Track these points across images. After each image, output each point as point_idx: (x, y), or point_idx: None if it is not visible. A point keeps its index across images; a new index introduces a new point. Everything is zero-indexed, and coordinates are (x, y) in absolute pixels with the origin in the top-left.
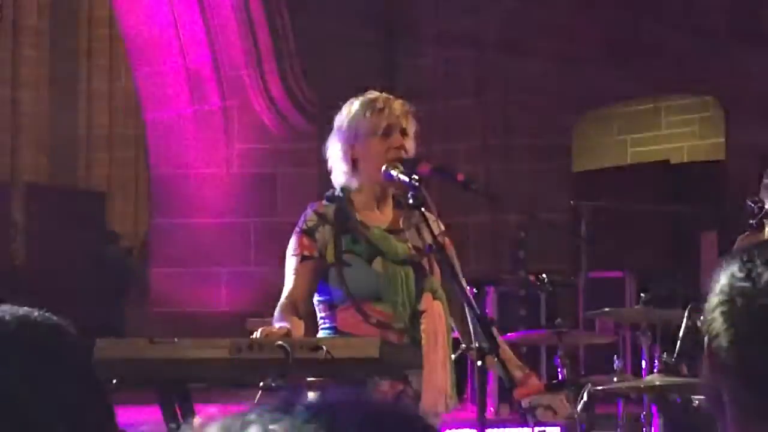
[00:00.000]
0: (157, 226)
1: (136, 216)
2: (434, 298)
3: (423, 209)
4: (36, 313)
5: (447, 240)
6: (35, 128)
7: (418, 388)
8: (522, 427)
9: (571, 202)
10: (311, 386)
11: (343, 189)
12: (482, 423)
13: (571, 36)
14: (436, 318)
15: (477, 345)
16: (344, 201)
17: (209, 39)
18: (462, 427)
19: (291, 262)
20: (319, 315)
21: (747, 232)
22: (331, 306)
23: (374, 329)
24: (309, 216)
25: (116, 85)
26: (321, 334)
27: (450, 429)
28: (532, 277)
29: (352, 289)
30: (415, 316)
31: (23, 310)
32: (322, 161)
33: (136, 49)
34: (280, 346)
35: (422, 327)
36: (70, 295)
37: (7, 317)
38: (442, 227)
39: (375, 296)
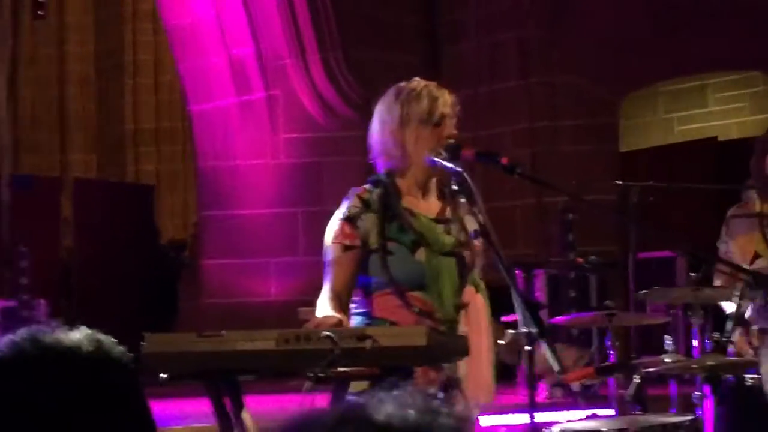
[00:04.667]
0: (205, 218)
1: (185, 208)
2: (477, 291)
3: (464, 196)
4: (103, 341)
5: (489, 225)
6: (83, 125)
7: (452, 374)
8: (574, 410)
9: (619, 182)
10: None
11: (387, 174)
12: (533, 407)
13: (615, 14)
14: (479, 310)
15: (525, 330)
16: (389, 185)
17: (252, 29)
18: (514, 412)
19: (332, 250)
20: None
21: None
22: (366, 292)
23: (413, 315)
24: (352, 202)
25: (161, 79)
26: (352, 320)
27: (502, 414)
28: (580, 260)
29: (395, 276)
30: (457, 307)
31: (98, 339)
32: (367, 149)
33: (180, 43)
34: (327, 336)
35: (464, 319)
36: (121, 288)
37: (85, 348)
38: (483, 213)
39: (417, 285)
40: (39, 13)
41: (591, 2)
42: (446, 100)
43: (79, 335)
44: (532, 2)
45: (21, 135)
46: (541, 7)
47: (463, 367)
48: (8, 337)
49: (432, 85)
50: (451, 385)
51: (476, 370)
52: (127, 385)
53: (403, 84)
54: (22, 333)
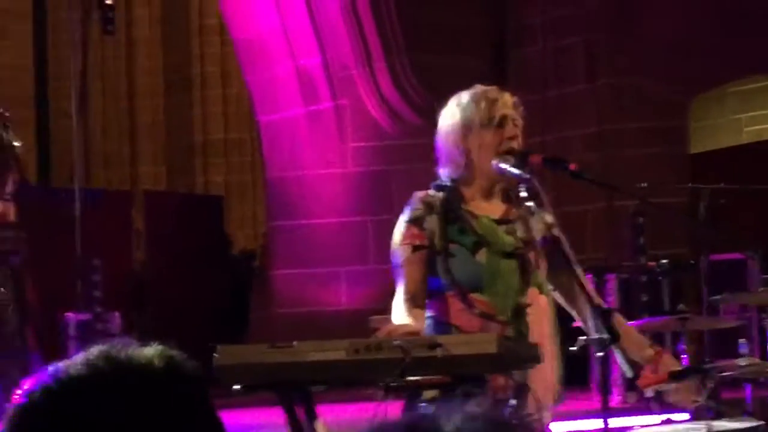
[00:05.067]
0: (275, 228)
1: (254, 219)
2: (540, 293)
3: (533, 202)
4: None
5: (558, 232)
6: (152, 137)
7: (521, 380)
8: (648, 414)
9: (689, 185)
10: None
11: (452, 180)
12: (606, 412)
13: (682, 15)
14: (541, 312)
15: (597, 336)
16: (453, 190)
17: (318, 40)
18: (587, 417)
19: (401, 252)
20: None
21: None
22: (433, 295)
23: (478, 319)
24: (415, 205)
25: (229, 91)
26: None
27: (576, 419)
28: (652, 263)
29: (457, 278)
30: (519, 309)
31: (169, 355)
32: (434, 157)
33: (247, 55)
34: (398, 345)
35: (527, 320)
36: (194, 299)
37: (157, 363)
38: (553, 219)
39: (478, 287)
40: (108, 28)
41: (658, 4)
42: (506, 101)
43: (151, 351)
44: (599, 5)
45: (92, 148)
46: (607, 10)
47: (529, 372)
48: (81, 355)
49: (491, 89)
50: (521, 391)
51: (541, 373)
52: (198, 400)
53: (463, 92)
54: (95, 350)
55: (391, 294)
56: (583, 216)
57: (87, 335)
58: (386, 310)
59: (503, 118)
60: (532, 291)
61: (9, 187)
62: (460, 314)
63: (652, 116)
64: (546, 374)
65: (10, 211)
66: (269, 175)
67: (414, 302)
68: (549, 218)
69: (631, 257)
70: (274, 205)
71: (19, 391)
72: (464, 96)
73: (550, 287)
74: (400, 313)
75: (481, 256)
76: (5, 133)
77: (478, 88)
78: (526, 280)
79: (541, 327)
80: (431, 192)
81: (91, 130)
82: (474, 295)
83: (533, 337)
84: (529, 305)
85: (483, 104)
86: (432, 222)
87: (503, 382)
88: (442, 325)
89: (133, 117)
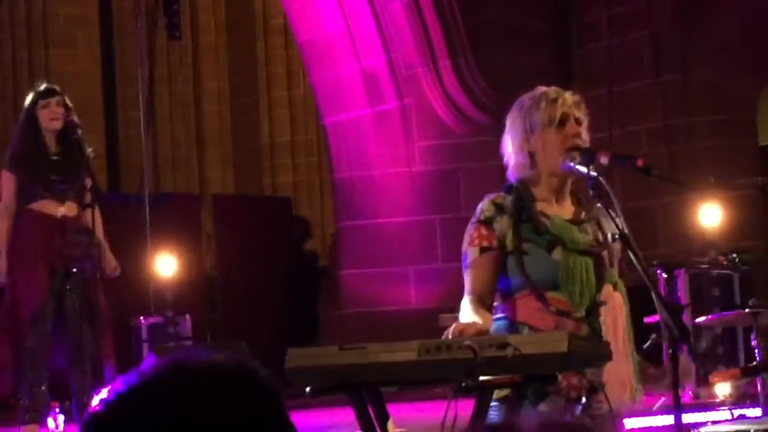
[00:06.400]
0: (343, 229)
1: (323, 219)
2: (614, 290)
3: (601, 201)
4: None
5: (627, 229)
6: (220, 140)
7: (594, 379)
8: (721, 410)
9: (759, 178)
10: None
11: (521, 181)
12: (678, 408)
13: (746, 7)
14: (616, 309)
15: (668, 333)
16: (523, 191)
17: (382, 39)
18: (660, 413)
19: (470, 253)
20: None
21: None
22: (504, 295)
23: (553, 317)
24: (486, 206)
25: (295, 93)
26: (493, 324)
27: (648, 416)
28: (723, 258)
29: (532, 276)
30: (594, 306)
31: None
32: (502, 157)
33: (311, 55)
34: (468, 345)
35: (602, 318)
36: (264, 301)
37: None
38: (621, 217)
39: (553, 285)
40: (175, 34)
41: None
42: (566, 100)
43: (222, 358)
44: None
45: (160, 153)
46: (672, 4)
47: (605, 371)
48: (152, 361)
49: (551, 89)
50: (594, 389)
51: (616, 370)
52: (271, 408)
53: (524, 96)
54: (166, 358)
55: (460, 292)
56: (653, 210)
57: (159, 339)
58: (455, 308)
59: (564, 117)
60: (607, 288)
61: (87, 196)
62: (534, 313)
63: (720, 109)
64: (621, 372)
65: (87, 218)
66: (336, 175)
67: (481, 303)
68: (616, 216)
69: (702, 252)
70: (341, 206)
71: (93, 400)
72: (525, 99)
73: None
74: (467, 314)
75: (557, 253)
76: (81, 141)
77: (539, 89)
78: (600, 278)
79: (616, 324)
80: (502, 194)
81: (159, 135)
82: (549, 293)
83: (607, 334)
84: (603, 303)
85: (543, 105)
86: (503, 223)
87: (576, 381)
88: (513, 325)
89: (200, 121)
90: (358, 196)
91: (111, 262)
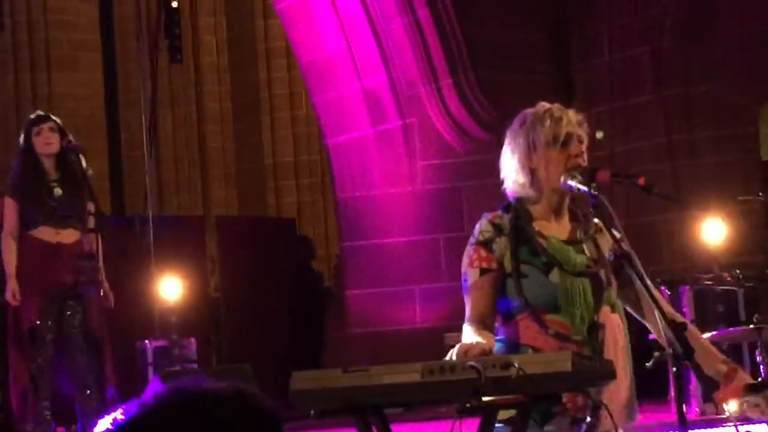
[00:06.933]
0: (347, 249)
1: (327, 240)
2: (612, 311)
3: (599, 219)
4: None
5: (627, 247)
6: (223, 162)
7: (596, 398)
8: (726, 427)
9: (759, 194)
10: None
11: (519, 200)
12: (683, 425)
13: (747, 22)
14: (615, 330)
15: (671, 351)
16: (521, 211)
17: (383, 59)
18: (666, 430)
19: (470, 275)
20: None
21: None
22: (505, 317)
23: (553, 340)
24: (484, 226)
25: (297, 114)
26: (495, 345)
27: None
28: (727, 274)
29: (530, 299)
30: (593, 328)
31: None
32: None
33: (314, 77)
34: (472, 366)
35: (601, 339)
36: (269, 322)
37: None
38: (621, 235)
39: (552, 308)
40: (176, 56)
41: (724, 11)
42: (570, 119)
43: (223, 386)
44: (665, 14)
45: (163, 175)
46: (674, 19)
47: (605, 391)
48: (154, 388)
49: (555, 106)
50: (596, 409)
51: (615, 390)
52: None
53: (527, 110)
54: (169, 385)
55: (465, 310)
56: (656, 227)
57: (164, 362)
58: (460, 327)
59: (568, 137)
60: (605, 309)
61: (90, 220)
62: (536, 336)
63: (722, 124)
64: (620, 391)
65: (92, 243)
66: (339, 195)
67: (482, 324)
68: (617, 234)
69: (705, 268)
70: (345, 226)
71: (98, 425)
72: (528, 115)
73: (622, 303)
74: (470, 335)
75: (554, 276)
76: (83, 164)
77: (542, 106)
78: (599, 299)
79: (615, 345)
80: (499, 213)
81: (163, 156)
82: (548, 316)
83: (609, 354)
84: (603, 324)
85: (548, 123)
86: (501, 244)
87: (581, 401)
88: (514, 346)
89: (203, 143)
90: (362, 216)
91: (105, 290)
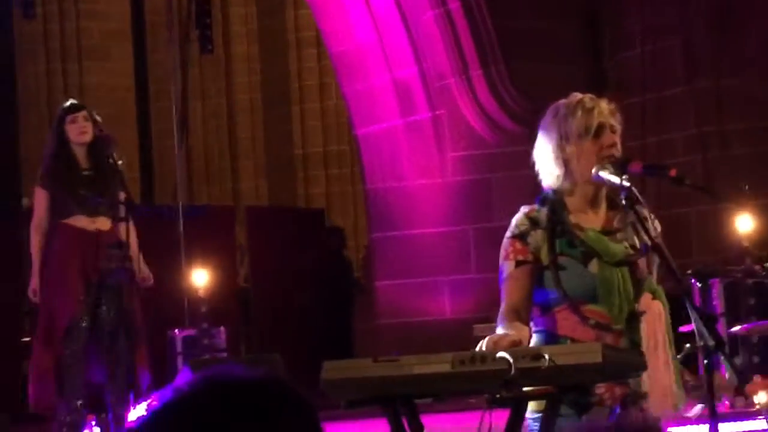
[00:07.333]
0: (377, 240)
1: (356, 230)
2: (653, 298)
3: (633, 210)
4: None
5: (660, 239)
6: (253, 152)
7: (637, 388)
8: (758, 419)
9: None
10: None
11: (555, 192)
12: (713, 418)
13: None
14: (656, 318)
15: (703, 343)
16: (557, 203)
17: (414, 51)
18: (696, 423)
19: (506, 267)
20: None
21: None
22: (543, 309)
23: (592, 331)
24: (520, 220)
25: (327, 104)
26: (533, 337)
27: (684, 425)
28: (758, 266)
29: (569, 290)
30: (633, 317)
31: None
32: (534, 164)
33: (344, 68)
34: (502, 357)
35: (642, 327)
36: (299, 313)
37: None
38: (658, 226)
39: (591, 298)
40: (207, 47)
41: (756, 3)
42: (602, 110)
43: (257, 373)
44: (697, 6)
45: (193, 165)
46: (706, 11)
47: (646, 380)
48: (187, 376)
49: (587, 97)
50: (633, 400)
51: (656, 380)
52: (305, 423)
53: (560, 102)
54: (201, 372)
55: (494, 302)
56: (687, 219)
57: (193, 351)
58: (489, 318)
59: (600, 127)
60: (646, 297)
61: (121, 209)
62: (575, 327)
63: (754, 116)
64: (663, 380)
65: (121, 231)
66: (369, 186)
67: (517, 316)
68: (651, 225)
69: (737, 260)
70: (374, 217)
71: (130, 413)
72: (560, 106)
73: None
74: (502, 326)
75: (593, 266)
76: (115, 154)
77: (574, 96)
78: (638, 288)
79: (656, 333)
80: (536, 206)
81: (193, 147)
82: (587, 307)
83: (647, 343)
84: (643, 312)
85: (579, 114)
86: (537, 237)
87: (619, 391)
88: (553, 337)
89: (233, 133)
90: (391, 207)
91: (143, 272)
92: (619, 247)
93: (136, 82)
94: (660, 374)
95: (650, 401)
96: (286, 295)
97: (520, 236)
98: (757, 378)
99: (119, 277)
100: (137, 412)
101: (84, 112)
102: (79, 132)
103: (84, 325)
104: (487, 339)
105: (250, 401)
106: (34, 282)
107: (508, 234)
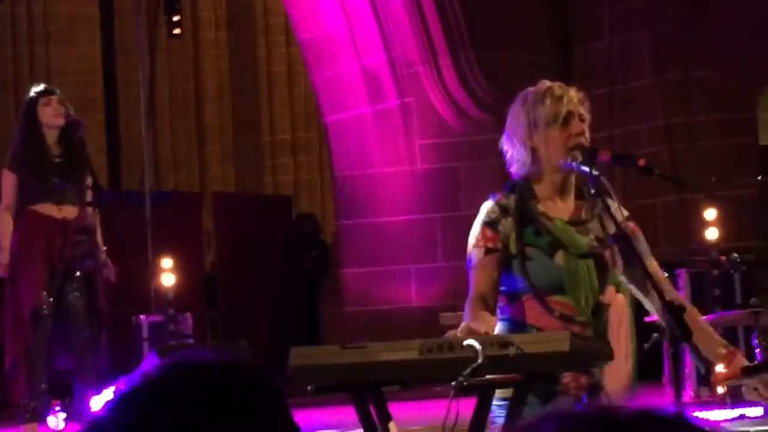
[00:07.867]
0: (344, 227)
1: (324, 218)
2: (618, 291)
3: (605, 198)
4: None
5: (633, 225)
6: (220, 138)
7: (600, 378)
8: (722, 409)
9: (759, 177)
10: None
11: (524, 179)
12: (678, 407)
13: (749, 6)
14: (620, 310)
15: (669, 332)
16: (525, 190)
17: (383, 38)
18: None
19: (474, 255)
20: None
21: None
22: (511, 297)
23: (557, 322)
24: (491, 207)
25: (296, 91)
26: (498, 325)
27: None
28: (724, 257)
29: (535, 281)
30: (599, 309)
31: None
32: (503, 152)
33: (313, 55)
34: (470, 344)
35: (606, 320)
36: (265, 299)
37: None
38: (626, 213)
39: (557, 289)
40: (174, 32)
41: None
42: (571, 98)
43: (225, 358)
44: None
45: (161, 151)
46: (674, 2)
47: (606, 372)
48: (154, 361)
49: (556, 85)
50: (595, 389)
51: (615, 370)
52: (274, 407)
53: (528, 89)
54: (168, 358)
55: (461, 290)
56: (654, 209)
57: (160, 337)
58: (456, 306)
59: (569, 115)
60: (610, 289)
61: (88, 194)
62: (540, 317)
63: (721, 108)
64: (620, 372)
65: (87, 217)
66: (337, 174)
67: (484, 304)
68: (619, 214)
69: (703, 251)
70: (342, 204)
71: (94, 399)
72: (529, 93)
73: (626, 282)
74: (469, 314)
75: (559, 258)
76: (84, 140)
77: (543, 84)
78: (603, 280)
79: (620, 325)
80: (505, 193)
81: (160, 132)
82: (552, 298)
83: (612, 335)
84: (608, 305)
85: (548, 101)
86: (507, 225)
87: (585, 381)
88: (519, 326)
89: (201, 119)
90: (359, 194)
91: (108, 266)
92: (584, 239)
93: (104, 66)
94: (619, 365)
95: (607, 392)
96: (253, 282)
97: (491, 224)
98: (721, 367)
99: (87, 263)
100: (102, 398)
101: (58, 96)
102: (54, 114)
103: (46, 312)
104: (460, 328)
105: (218, 384)
106: (3, 256)
107: (478, 221)
